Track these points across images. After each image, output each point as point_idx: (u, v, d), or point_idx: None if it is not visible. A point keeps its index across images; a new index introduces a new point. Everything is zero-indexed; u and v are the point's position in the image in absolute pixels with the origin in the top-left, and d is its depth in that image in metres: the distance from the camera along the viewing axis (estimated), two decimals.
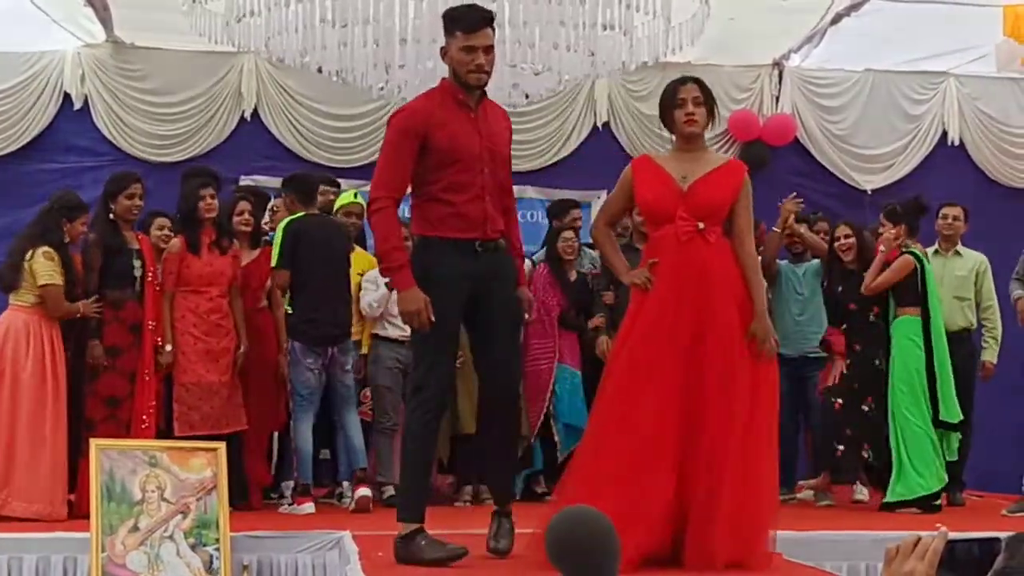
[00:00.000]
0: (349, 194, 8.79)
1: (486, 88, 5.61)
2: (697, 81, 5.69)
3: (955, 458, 8.29)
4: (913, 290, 8.21)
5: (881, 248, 8.34)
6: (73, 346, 7.58)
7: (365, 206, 8.81)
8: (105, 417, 7.38)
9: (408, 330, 8.22)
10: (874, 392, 8.32)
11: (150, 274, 7.64)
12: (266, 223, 8.76)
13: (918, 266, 8.23)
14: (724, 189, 5.59)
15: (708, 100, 5.64)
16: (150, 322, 7.60)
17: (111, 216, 7.60)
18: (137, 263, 7.61)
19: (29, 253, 7.36)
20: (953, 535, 2.45)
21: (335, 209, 8.56)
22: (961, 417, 8.19)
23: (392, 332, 8.57)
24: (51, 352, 7.34)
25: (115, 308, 7.54)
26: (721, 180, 5.61)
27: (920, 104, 11.50)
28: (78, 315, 7.49)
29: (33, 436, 7.16)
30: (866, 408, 8.32)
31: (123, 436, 7.10)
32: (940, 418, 8.12)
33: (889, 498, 8.12)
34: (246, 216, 8.25)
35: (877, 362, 8.34)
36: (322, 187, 8.58)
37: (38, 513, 7.05)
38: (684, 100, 5.57)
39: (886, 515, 7.85)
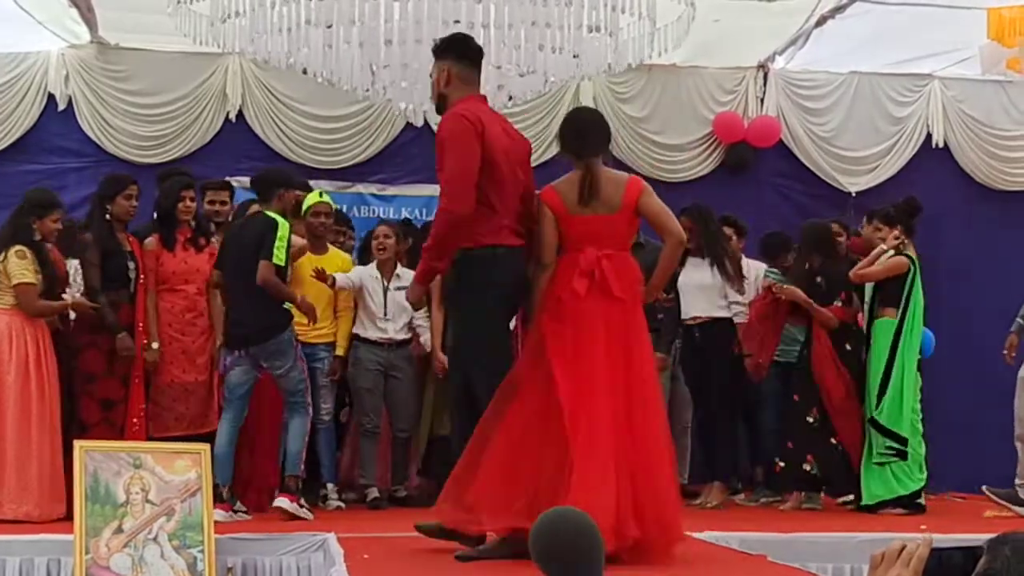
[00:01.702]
0: (315, 193, 8.71)
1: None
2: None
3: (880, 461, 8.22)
4: (896, 293, 8.22)
5: (883, 248, 8.31)
6: (65, 348, 7.55)
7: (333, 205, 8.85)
8: (99, 420, 7.43)
9: (388, 332, 8.42)
10: (818, 402, 8.34)
11: (142, 276, 7.66)
12: None
13: (912, 270, 8.24)
14: None
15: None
16: (140, 323, 7.59)
17: (107, 217, 7.65)
18: (131, 265, 7.62)
19: (2, 255, 7.32)
20: (938, 541, 2.46)
21: (304, 209, 8.48)
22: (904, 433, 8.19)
23: (372, 333, 8.55)
24: (36, 352, 7.29)
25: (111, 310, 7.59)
26: None
27: (905, 106, 11.51)
28: (65, 311, 7.51)
29: (19, 437, 7.13)
30: (811, 419, 8.32)
31: (117, 439, 7.12)
32: (874, 416, 8.13)
33: (867, 500, 8.12)
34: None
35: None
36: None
37: (27, 515, 7.03)
38: None
39: (871, 517, 7.87)
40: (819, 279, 8.46)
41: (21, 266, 7.26)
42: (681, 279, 8.61)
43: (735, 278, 8.58)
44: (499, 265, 5.71)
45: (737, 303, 8.73)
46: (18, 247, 7.31)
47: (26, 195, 7.77)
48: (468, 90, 5.97)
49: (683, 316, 8.77)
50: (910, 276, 8.24)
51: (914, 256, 8.37)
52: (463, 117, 5.77)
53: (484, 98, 6.16)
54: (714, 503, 8.54)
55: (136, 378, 7.58)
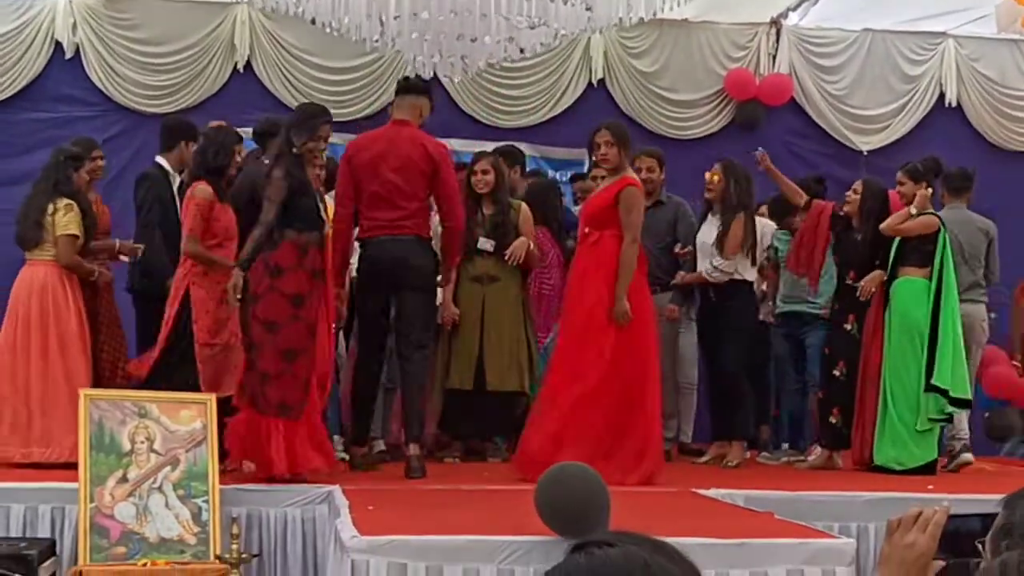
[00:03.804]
0: None
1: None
2: (609, 126, 7.47)
3: (926, 428, 8.17)
4: (923, 252, 8.12)
5: (913, 206, 8.18)
6: (90, 297, 7.66)
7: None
8: (281, 371, 6.72)
9: None
10: (846, 357, 8.27)
11: (328, 221, 7.15)
12: None
13: (942, 229, 8.15)
14: (596, 201, 7.38)
15: (620, 139, 7.31)
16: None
17: (294, 151, 6.99)
18: (322, 205, 7.07)
19: (50, 207, 7.40)
20: (952, 504, 2.44)
21: None
22: (968, 395, 8.14)
23: None
24: (66, 306, 7.38)
25: (300, 253, 6.89)
26: (600, 195, 7.40)
27: (918, 65, 11.44)
28: (92, 276, 7.58)
29: (54, 383, 7.17)
30: (838, 373, 8.28)
31: (300, 391, 6.71)
32: (932, 381, 8.05)
33: (880, 461, 8.07)
34: None
35: (848, 327, 8.28)
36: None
37: (49, 456, 7.05)
38: (598, 144, 7.32)
39: (878, 477, 7.81)
40: (860, 237, 8.33)
41: (68, 219, 7.38)
42: (699, 236, 8.49)
43: (737, 245, 8.32)
44: (364, 254, 7.52)
45: (717, 268, 8.36)
46: (67, 200, 7.41)
47: (57, 148, 7.77)
48: (396, 116, 7.63)
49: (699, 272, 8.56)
50: (941, 236, 8.14)
51: (939, 214, 8.29)
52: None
53: (403, 121, 7.57)
54: (735, 462, 8.30)
55: (330, 327, 7.08)
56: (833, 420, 8.30)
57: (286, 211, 6.83)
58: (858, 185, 8.45)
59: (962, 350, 8.10)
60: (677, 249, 8.67)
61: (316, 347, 6.84)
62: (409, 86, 7.69)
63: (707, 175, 8.45)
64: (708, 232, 8.45)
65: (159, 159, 8.42)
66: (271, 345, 6.74)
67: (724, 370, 8.53)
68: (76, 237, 7.42)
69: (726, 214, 8.35)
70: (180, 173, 8.10)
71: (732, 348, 8.44)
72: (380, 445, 8.43)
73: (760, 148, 8.85)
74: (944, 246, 8.11)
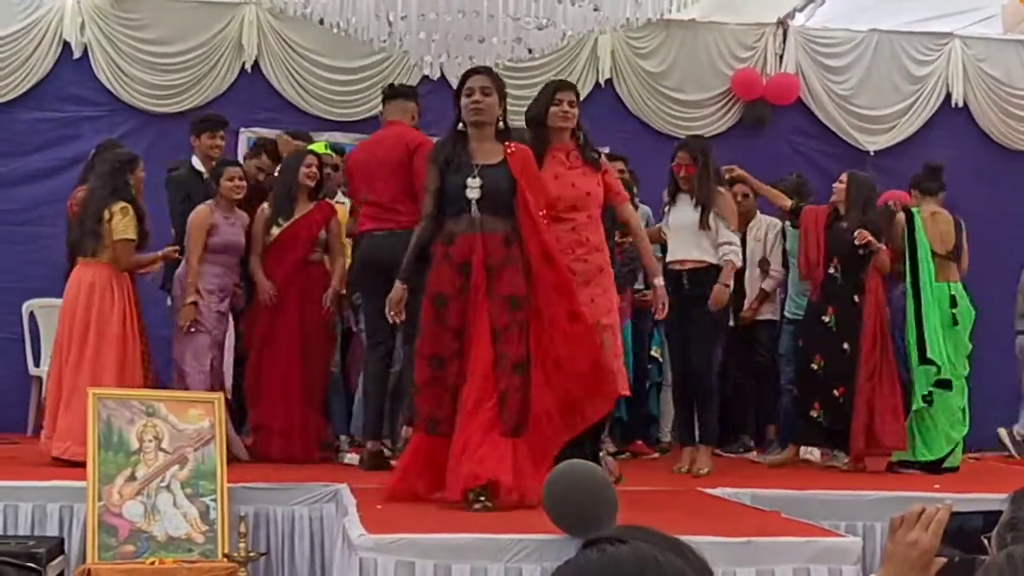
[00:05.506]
0: (319, 145, 8.67)
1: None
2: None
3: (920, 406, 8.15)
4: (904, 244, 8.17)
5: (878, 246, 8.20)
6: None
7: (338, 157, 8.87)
8: (429, 379, 6.02)
9: None
10: (822, 350, 8.14)
11: (526, 199, 6.03)
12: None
13: (909, 224, 8.16)
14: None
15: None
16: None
17: (459, 126, 6.24)
18: (474, 182, 6.01)
19: (106, 213, 7.49)
20: (955, 501, 2.45)
21: None
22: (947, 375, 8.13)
23: None
24: (122, 306, 7.50)
25: (445, 242, 6.09)
26: None
27: (924, 65, 11.43)
28: (152, 265, 7.87)
29: (77, 384, 7.20)
30: (815, 367, 8.17)
31: (450, 402, 5.94)
32: (928, 356, 8.04)
33: (892, 457, 8.09)
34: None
35: (826, 319, 8.13)
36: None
37: (75, 454, 7.09)
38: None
39: (885, 476, 7.83)
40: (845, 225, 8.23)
41: (124, 223, 7.49)
42: (671, 219, 8.01)
43: (724, 223, 7.79)
44: (360, 248, 7.79)
45: (729, 243, 7.79)
46: (123, 204, 7.52)
47: (111, 155, 7.87)
48: (389, 118, 7.96)
49: (669, 258, 7.98)
50: (911, 222, 8.15)
51: (914, 209, 8.29)
52: None
53: (392, 122, 7.90)
54: (706, 470, 7.68)
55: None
56: (814, 415, 8.11)
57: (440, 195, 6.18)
58: (844, 176, 8.44)
59: (958, 331, 8.13)
60: (617, 239, 8.13)
61: (477, 354, 5.88)
62: (396, 91, 8.14)
63: (677, 166, 8.00)
64: (687, 215, 7.87)
65: (193, 159, 8.63)
66: (416, 352, 6.18)
67: (693, 367, 7.91)
68: (132, 241, 7.54)
69: (704, 191, 7.85)
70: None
71: (700, 343, 7.86)
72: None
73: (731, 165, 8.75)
74: (914, 229, 8.12)
